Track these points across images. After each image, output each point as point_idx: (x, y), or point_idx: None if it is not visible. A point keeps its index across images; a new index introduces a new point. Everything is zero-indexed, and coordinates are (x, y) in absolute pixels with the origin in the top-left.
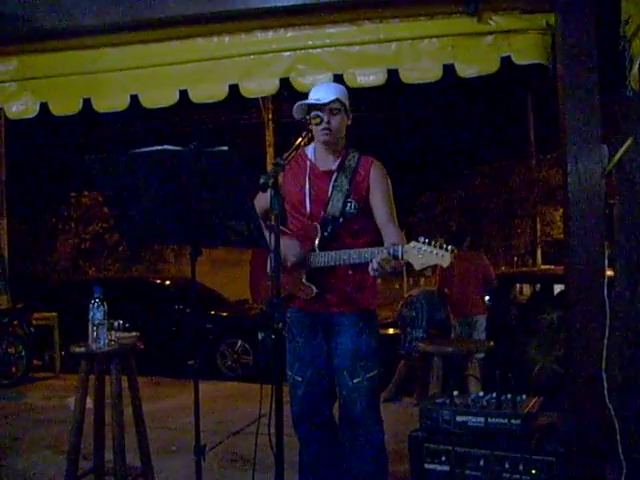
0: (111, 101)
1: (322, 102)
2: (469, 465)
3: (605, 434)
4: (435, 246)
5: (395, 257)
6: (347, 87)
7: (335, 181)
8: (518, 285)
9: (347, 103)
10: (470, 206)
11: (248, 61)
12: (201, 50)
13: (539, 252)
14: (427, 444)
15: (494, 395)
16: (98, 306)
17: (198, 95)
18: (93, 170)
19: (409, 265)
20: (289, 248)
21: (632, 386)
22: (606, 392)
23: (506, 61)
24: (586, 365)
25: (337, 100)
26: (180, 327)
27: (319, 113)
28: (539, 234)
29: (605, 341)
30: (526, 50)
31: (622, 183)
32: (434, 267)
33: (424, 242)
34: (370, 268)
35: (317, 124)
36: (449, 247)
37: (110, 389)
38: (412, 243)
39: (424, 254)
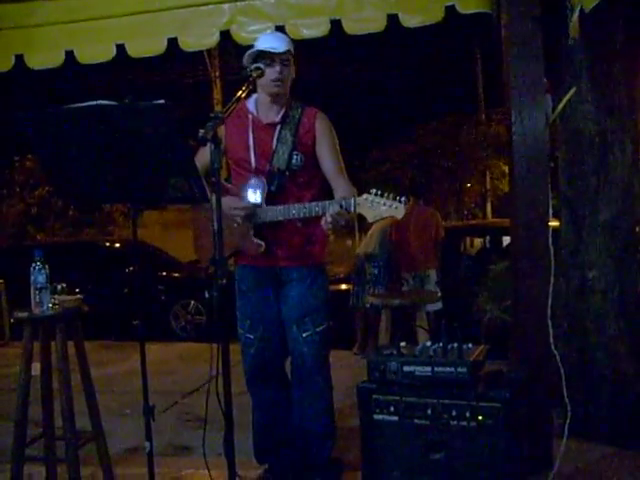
0: (45, 57)
1: (278, 51)
2: (417, 414)
3: (551, 380)
4: (388, 198)
5: (347, 210)
6: (290, 39)
7: (279, 133)
8: (468, 238)
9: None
10: (420, 161)
11: (186, 13)
12: (137, 3)
13: (489, 206)
14: (375, 395)
15: (440, 344)
16: (40, 269)
17: (135, 49)
18: (26, 128)
19: (362, 218)
20: (233, 206)
21: (576, 333)
22: (552, 339)
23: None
24: (532, 313)
25: (289, 51)
26: (131, 289)
27: (261, 65)
28: (489, 188)
29: (550, 289)
30: None
31: (566, 133)
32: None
33: (376, 194)
34: (323, 222)
35: (260, 76)
36: (402, 199)
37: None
38: (364, 195)
39: (377, 206)
